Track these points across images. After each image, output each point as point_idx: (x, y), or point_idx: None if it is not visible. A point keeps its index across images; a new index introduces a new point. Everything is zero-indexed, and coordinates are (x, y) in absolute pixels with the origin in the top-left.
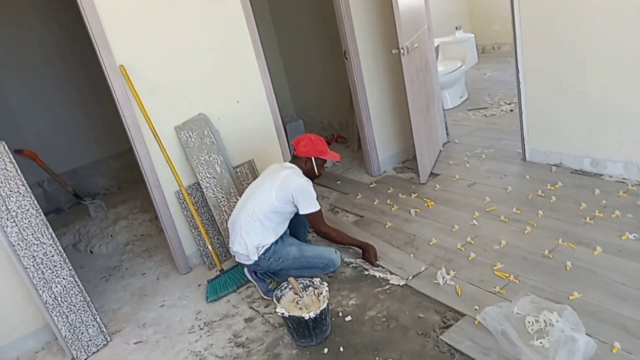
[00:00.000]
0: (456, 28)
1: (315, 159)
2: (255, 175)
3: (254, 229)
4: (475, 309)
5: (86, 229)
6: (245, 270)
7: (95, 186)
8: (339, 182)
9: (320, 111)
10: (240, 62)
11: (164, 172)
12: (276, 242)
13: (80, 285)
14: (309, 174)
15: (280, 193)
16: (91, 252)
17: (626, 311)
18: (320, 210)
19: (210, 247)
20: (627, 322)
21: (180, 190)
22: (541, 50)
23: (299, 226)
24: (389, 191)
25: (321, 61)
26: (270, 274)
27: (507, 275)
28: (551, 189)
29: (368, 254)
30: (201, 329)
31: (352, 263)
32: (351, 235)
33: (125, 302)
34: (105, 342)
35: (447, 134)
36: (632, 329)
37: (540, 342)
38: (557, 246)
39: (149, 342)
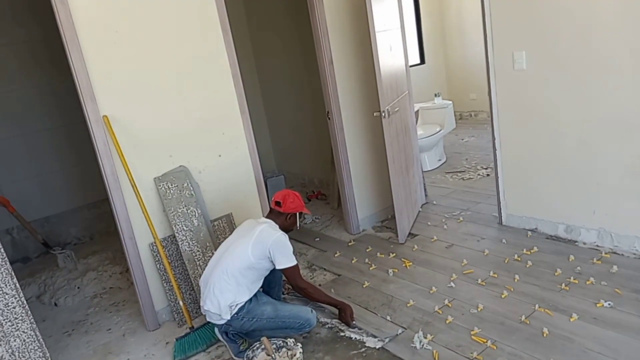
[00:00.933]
0: (435, 95)
1: (298, 213)
2: (232, 229)
3: (228, 287)
4: None
5: (52, 280)
6: (216, 330)
7: (67, 235)
8: (317, 239)
9: (301, 167)
10: (224, 117)
11: (140, 223)
12: (250, 300)
13: (41, 339)
14: (288, 228)
15: (257, 248)
16: (56, 304)
17: None
18: (297, 265)
19: (181, 303)
20: None
21: (155, 243)
22: (516, 118)
23: (274, 284)
24: (367, 250)
25: (304, 119)
26: (242, 334)
27: (485, 340)
28: (527, 254)
29: (345, 313)
30: None
31: (327, 323)
32: (328, 294)
33: (88, 359)
34: None
35: (426, 195)
36: None
37: None
38: (533, 312)
39: None
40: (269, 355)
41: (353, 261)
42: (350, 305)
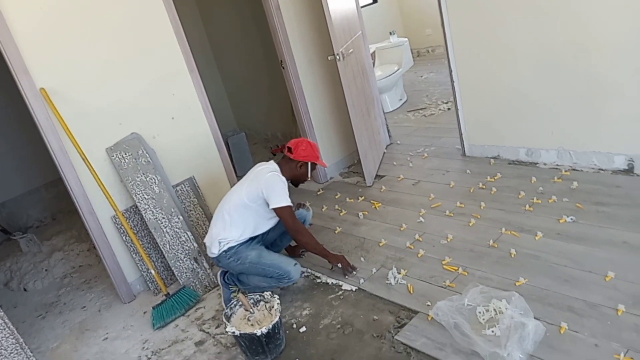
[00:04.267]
0: (390, 33)
1: (311, 164)
2: (197, 192)
3: (222, 222)
4: (428, 305)
5: (18, 266)
6: (219, 273)
7: (28, 218)
8: None
9: (263, 124)
10: (171, 78)
11: (98, 197)
12: (241, 244)
13: (11, 326)
14: (298, 178)
15: (251, 188)
16: (25, 289)
17: (570, 292)
18: (290, 206)
19: (153, 272)
20: (572, 302)
21: (117, 215)
22: (471, 50)
23: (278, 247)
24: (336, 197)
25: (259, 73)
26: (235, 280)
27: (456, 268)
28: (491, 181)
29: (341, 266)
30: (149, 358)
31: (304, 272)
32: (323, 246)
33: (65, 339)
34: None
35: (390, 135)
36: (578, 309)
37: (492, 331)
38: (500, 235)
39: None
40: (247, 310)
41: (323, 209)
42: (342, 256)
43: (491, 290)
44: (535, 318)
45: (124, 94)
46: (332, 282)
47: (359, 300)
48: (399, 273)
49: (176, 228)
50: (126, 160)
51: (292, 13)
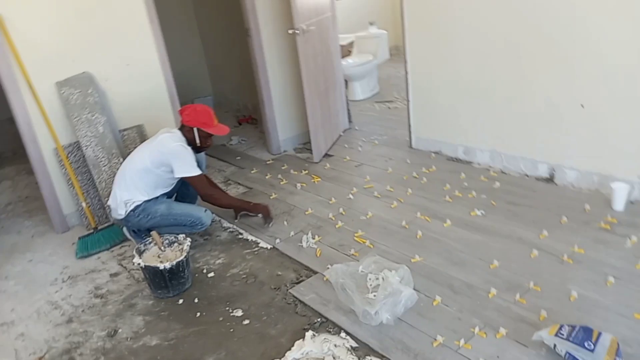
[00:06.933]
0: (370, 23)
1: (198, 130)
2: (143, 140)
3: (125, 185)
4: (328, 268)
5: None
6: (124, 228)
7: None
8: (238, 157)
9: (236, 93)
10: (132, 26)
11: (42, 128)
12: (148, 200)
13: None
14: (195, 145)
15: (154, 155)
16: None
17: (456, 273)
18: (201, 175)
19: (84, 204)
20: (454, 282)
21: (57, 149)
22: (424, 47)
23: (188, 199)
24: (282, 167)
25: (233, 42)
26: (147, 232)
27: (365, 241)
28: (425, 172)
29: (262, 214)
30: (64, 281)
31: (229, 228)
32: (240, 198)
33: None
34: None
35: (350, 121)
36: (457, 287)
37: (374, 295)
38: (415, 219)
39: (6, 293)
40: (159, 248)
41: (267, 177)
42: (265, 205)
43: (385, 261)
44: (415, 289)
45: (79, 33)
46: (251, 239)
47: (271, 257)
48: (313, 238)
49: (114, 169)
50: (74, 97)
51: None
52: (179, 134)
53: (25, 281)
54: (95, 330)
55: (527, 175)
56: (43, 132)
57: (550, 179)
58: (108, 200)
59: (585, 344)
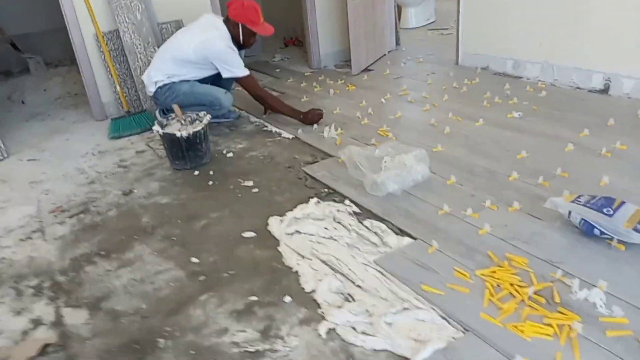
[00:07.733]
0: None
1: (242, 26)
2: None
3: (161, 68)
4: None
5: (22, 83)
6: (157, 111)
7: (47, 56)
8: (278, 69)
9: (288, 12)
10: None
11: (85, 13)
12: (175, 82)
13: None
14: (239, 42)
15: (199, 50)
16: (23, 102)
17: (478, 161)
18: (250, 75)
19: (118, 87)
20: (474, 168)
21: (97, 34)
22: None
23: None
24: (319, 78)
25: None
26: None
27: (388, 133)
28: (467, 83)
29: (311, 117)
30: (94, 155)
31: (256, 122)
32: (291, 105)
33: (35, 135)
34: (1, 158)
35: (398, 43)
36: (476, 171)
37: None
38: (445, 119)
39: (41, 161)
40: (179, 121)
41: (302, 84)
42: (317, 112)
43: (403, 146)
44: (431, 172)
45: None
46: (275, 131)
47: (291, 144)
48: (336, 130)
49: (150, 57)
50: None
51: None
52: (224, 29)
53: (60, 154)
54: (113, 190)
55: (579, 88)
56: (85, 18)
57: (604, 90)
58: (143, 75)
59: (605, 210)
